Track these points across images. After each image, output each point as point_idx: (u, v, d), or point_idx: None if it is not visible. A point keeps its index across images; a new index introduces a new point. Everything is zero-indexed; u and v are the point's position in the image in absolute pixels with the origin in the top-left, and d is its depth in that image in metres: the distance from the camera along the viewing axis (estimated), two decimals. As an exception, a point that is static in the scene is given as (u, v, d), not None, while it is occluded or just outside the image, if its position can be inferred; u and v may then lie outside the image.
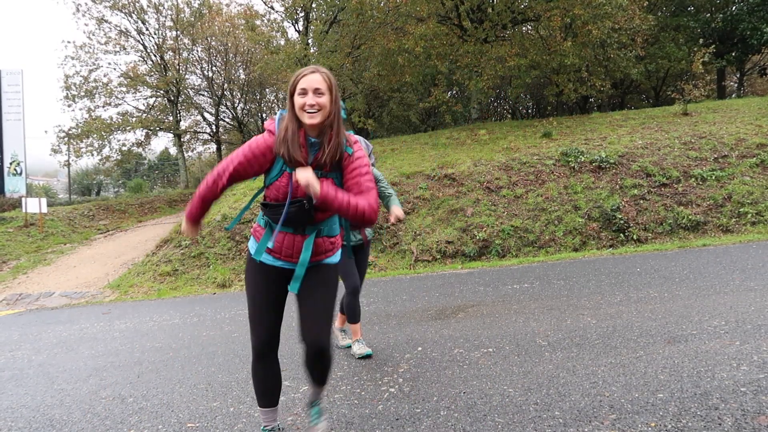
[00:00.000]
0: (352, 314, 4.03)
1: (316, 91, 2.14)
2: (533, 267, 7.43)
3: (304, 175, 2.08)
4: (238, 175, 2.26)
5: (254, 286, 2.38)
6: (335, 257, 2.43)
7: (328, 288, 2.37)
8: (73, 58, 24.79)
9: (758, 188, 9.17)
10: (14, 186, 20.67)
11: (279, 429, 2.54)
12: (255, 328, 2.40)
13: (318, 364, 2.36)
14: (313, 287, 2.33)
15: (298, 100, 2.16)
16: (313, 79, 2.16)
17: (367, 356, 3.97)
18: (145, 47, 26.16)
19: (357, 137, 3.59)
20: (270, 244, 2.31)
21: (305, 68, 2.21)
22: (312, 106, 2.13)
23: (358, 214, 2.16)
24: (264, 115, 34.60)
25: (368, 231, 4.02)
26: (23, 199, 15.31)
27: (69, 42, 40.81)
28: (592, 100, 25.69)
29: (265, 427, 2.52)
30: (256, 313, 2.39)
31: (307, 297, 2.34)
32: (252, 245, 2.40)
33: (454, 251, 9.14)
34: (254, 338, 2.41)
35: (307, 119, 2.14)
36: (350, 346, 4.16)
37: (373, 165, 3.91)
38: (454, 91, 25.58)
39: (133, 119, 26.03)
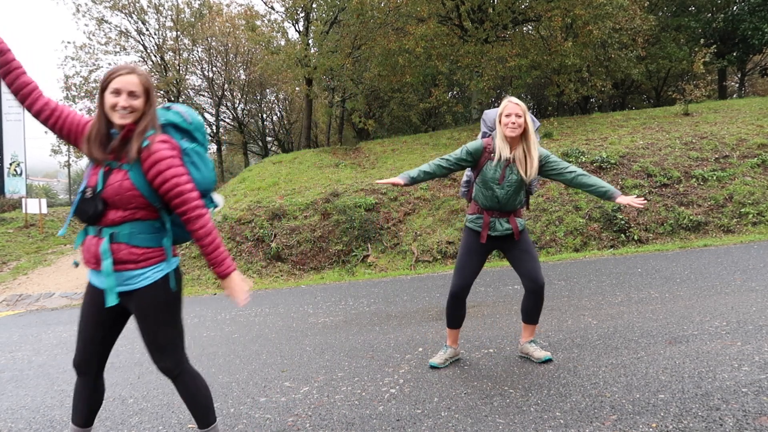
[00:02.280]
0: (449, 319, 3.52)
1: (131, 94, 2.02)
2: (534, 267, 7.42)
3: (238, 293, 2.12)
4: (60, 119, 2.14)
5: (84, 297, 2.24)
6: (149, 276, 2.12)
7: (147, 318, 2.14)
8: (73, 59, 24.83)
9: (759, 188, 9.16)
10: (14, 187, 20.69)
11: None
12: (77, 342, 2.23)
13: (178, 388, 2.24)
14: (138, 317, 2.16)
15: (110, 99, 2.03)
16: (129, 80, 2.02)
17: (433, 367, 3.52)
18: (145, 48, 26.19)
19: (531, 117, 3.24)
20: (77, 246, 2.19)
21: (121, 66, 2.06)
22: (124, 108, 2.02)
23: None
24: (264, 115, 34.63)
25: (519, 220, 3.36)
26: (23, 200, 15.33)
27: (69, 42, 40.83)
28: (593, 100, 25.68)
29: None
30: (79, 327, 2.23)
31: (139, 324, 2.19)
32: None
33: (455, 252, 9.12)
34: (75, 352, 2.25)
35: (118, 119, 2.03)
36: (549, 359, 3.44)
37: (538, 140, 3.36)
38: (455, 92, 25.59)
39: (134, 120, 26.02)
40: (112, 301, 2.07)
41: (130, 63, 2.07)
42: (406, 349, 4.11)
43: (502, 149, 3.20)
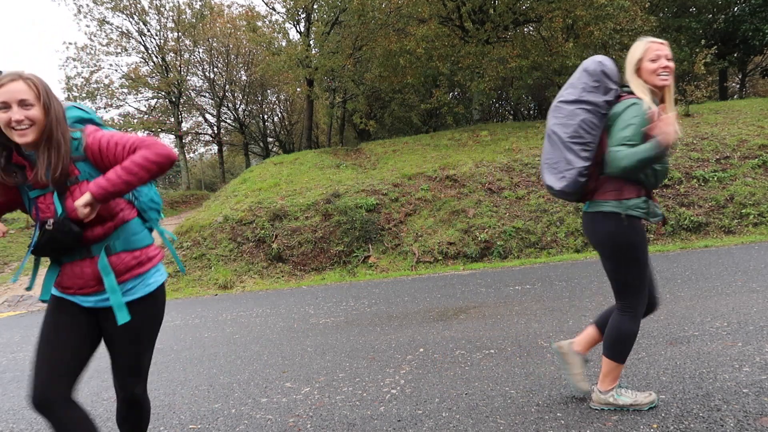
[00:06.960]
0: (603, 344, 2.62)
1: (22, 103, 1.72)
2: (535, 268, 7.42)
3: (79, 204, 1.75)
4: None
5: (49, 324, 1.91)
6: (149, 283, 1.96)
7: (140, 334, 1.97)
8: (74, 60, 24.88)
9: (760, 189, 9.16)
10: (16, 187, 20.68)
11: None
12: (38, 372, 1.83)
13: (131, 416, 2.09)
14: (126, 333, 1.95)
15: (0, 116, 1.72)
16: (15, 89, 1.71)
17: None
18: (146, 48, 26.22)
19: None
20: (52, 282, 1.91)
21: (2, 76, 1.75)
22: (20, 122, 1.71)
23: (153, 168, 1.79)
24: (265, 116, 34.67)
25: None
26: (25, 201, 15.32)
27: (70, 44, 40.95)
28: (593, 101, 25.62)
29: None
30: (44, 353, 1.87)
31: (113, 346, 1.98)
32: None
33: (456, 252, 9.13)
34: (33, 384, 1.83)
35: (18, 138, 1.72)
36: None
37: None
38: (456, 93, 25.56)
39: (135, 121, 26.08)
40: (124, 317, 1.87)
41: (13, 72, 1.76)
42: (407, 349, 4.11)
43: (652, 108, 2.39)
